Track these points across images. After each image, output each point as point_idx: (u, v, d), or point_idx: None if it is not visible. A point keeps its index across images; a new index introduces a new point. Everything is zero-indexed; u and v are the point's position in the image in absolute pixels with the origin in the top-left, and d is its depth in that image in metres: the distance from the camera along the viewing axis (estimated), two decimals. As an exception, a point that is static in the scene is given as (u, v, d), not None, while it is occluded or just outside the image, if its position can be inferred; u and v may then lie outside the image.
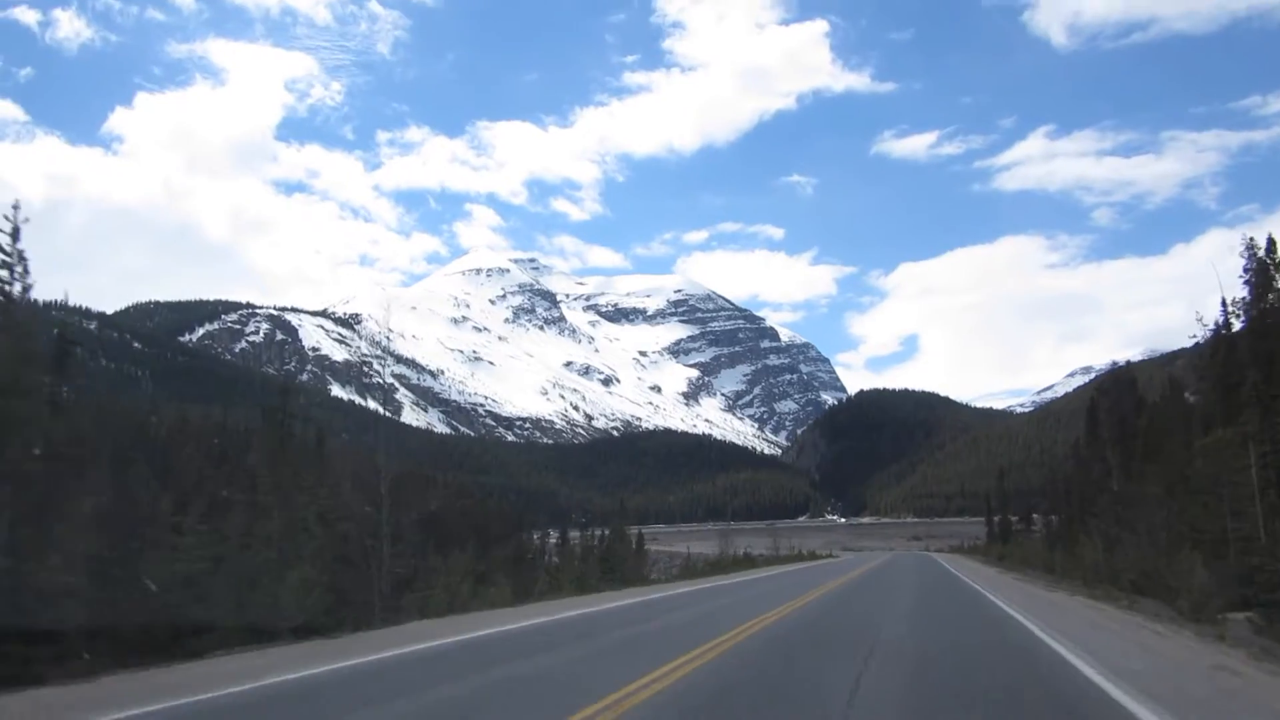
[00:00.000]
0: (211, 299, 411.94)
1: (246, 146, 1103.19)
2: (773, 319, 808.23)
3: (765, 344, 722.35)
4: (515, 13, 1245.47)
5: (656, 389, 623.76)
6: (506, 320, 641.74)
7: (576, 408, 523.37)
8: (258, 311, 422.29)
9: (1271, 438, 15.17)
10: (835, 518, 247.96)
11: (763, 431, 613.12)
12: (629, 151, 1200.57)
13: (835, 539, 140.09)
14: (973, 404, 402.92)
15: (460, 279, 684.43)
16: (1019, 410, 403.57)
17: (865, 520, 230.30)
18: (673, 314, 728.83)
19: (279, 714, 7.48)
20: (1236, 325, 28.92)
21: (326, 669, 9.19)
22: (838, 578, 29.69)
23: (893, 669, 9.43)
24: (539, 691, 8.28)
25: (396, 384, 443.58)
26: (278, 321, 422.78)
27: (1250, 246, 27.61)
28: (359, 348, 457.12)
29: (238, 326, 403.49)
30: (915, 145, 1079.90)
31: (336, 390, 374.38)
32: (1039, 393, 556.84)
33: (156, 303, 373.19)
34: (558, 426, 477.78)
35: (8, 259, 9.50)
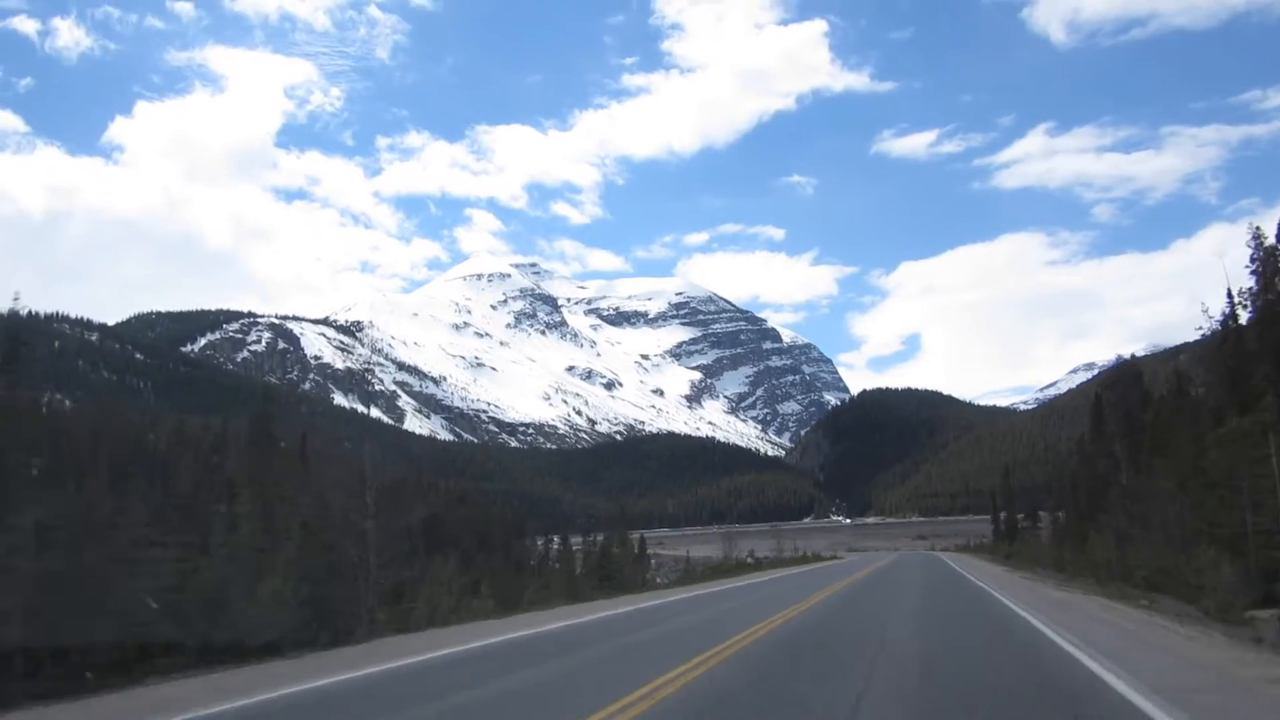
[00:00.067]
0: (213, 308, 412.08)
1: (246, 154, 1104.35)
2: (774, 320, 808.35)
3: (767, 345, 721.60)
4: (514, 16, 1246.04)
5: (659, 392, 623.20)
6: (508, 325, 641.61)
7: (579, 412, 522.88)
8: (259, 320, 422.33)
9: (1293, 426, 14.66)
10: (840, 519, 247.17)
11: (766, 433, 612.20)
12: (629, 154, 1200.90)
13: (840, 540, 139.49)
14: (976, 402, 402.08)
15: (461, 284, 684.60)
16: (1022, 408, 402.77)
17: (870, 520, 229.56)
18: (674, 316, 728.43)
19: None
20: (1243, 316, 28.52)
21: (263, 699, 8.41)
22: (840, 581, 29.01)
23: (900, 681, 8.79)
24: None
25: (399, 391, 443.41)
26: (279, 330, 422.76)
27: (1257, 236, 27.12)
28: (361, 355, 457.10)
29: (239, 336, 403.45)
30: (915, 144, 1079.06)
31: (339, 399, 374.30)
32: (1042, 390, 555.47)
33: (158, 313, 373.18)
34: (561, 431, 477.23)
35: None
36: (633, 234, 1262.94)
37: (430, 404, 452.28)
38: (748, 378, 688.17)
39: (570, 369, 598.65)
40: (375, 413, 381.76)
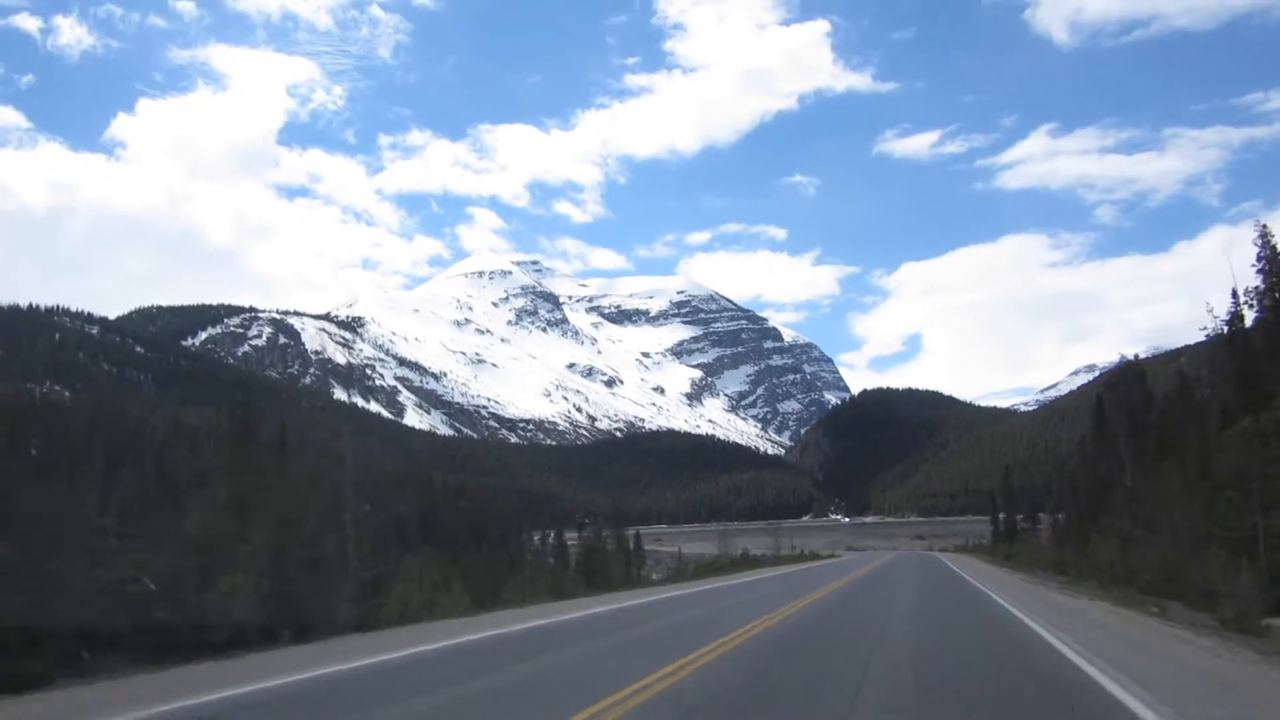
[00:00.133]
0: (214, 303, 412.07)
1: (248, 151, 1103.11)
2: (775, 319, 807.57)
3: (768, 344, 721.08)
4: (516, 15, 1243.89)
5: (659, 390, 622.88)
6: (509, 322, 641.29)
7: (579, 409, 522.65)
8: (260, 315, 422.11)
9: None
10: (839, 517, 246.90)
11: (766, 432, 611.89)
12: (631, 153, 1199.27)
13: (839, 539, 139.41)
14: (976, 403, 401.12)
15: (463, 281, 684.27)
16: (1023, 409, 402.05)
17: (869, 520, 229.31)
18: (675, 315, 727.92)
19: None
20: (1249, 316, 28.15)
21: (207, 699, 7.93)
22: (834, 581, 28.54)
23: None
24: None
25: (399, 386, 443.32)
26: (280, 325, 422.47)
27: (1264, 234, 26.73)
28: (361, 351, 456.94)
29: (240, 330, 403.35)
30: (917, 144, 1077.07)
31: (339, 393, 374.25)
32: (1042, 391, 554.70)
33: (159, 307, 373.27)
34: (561, 428, 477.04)
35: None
36: (634, 233, 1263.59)
37: (431, 399, 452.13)
38: (748, 376, 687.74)
39: (571, 366, 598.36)
40: (375, 407, 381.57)
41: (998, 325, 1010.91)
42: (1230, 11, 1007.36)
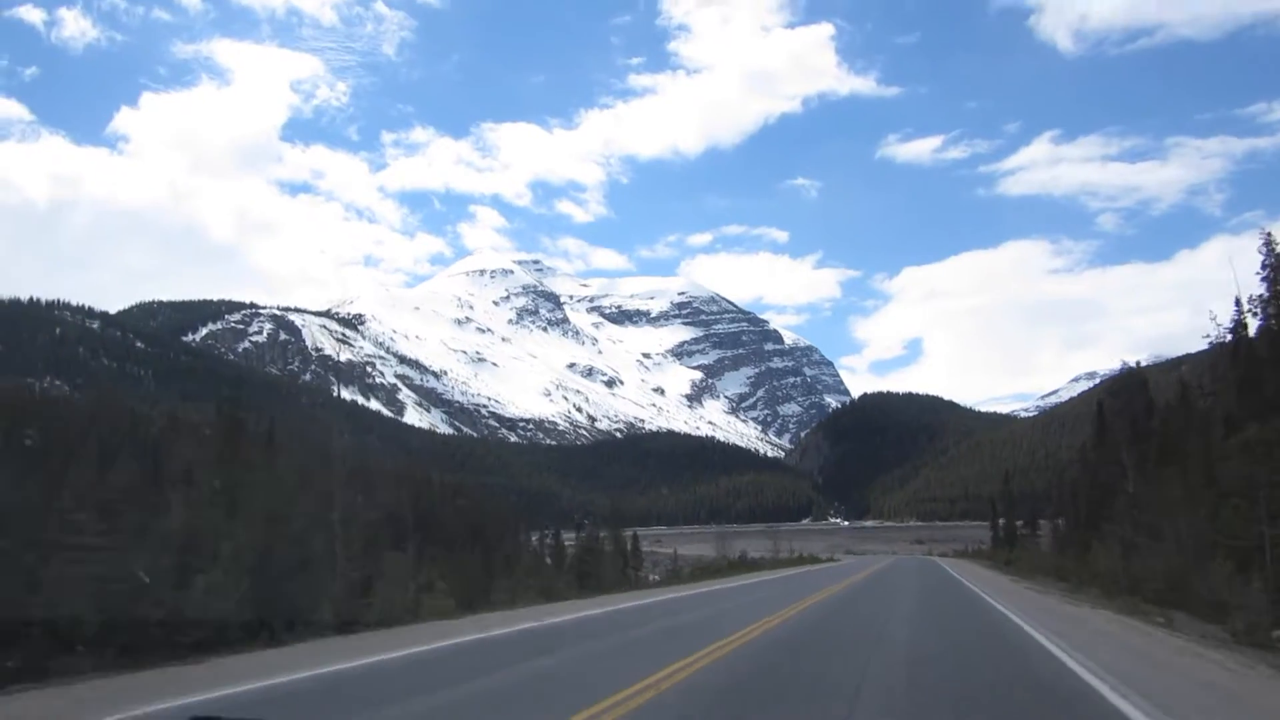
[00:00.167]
0: (215, 299, 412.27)
1: (251, 147, 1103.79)
2: (776, 322, 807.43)
3: (769, 347, 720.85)
4: (521, 14, 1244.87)
5: (660, 391, 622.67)
6: (510, 321, 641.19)
7: (580, 409, 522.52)
8: (261, 312, 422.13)
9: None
10: (838, 521, 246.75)
11: (766, 434, 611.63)
12: (633, 154, 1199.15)
13: (838, 542, 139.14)
14: (976, 408, 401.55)
15: (464, 280, 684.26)
16: (1023, 415, 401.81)
17: (868, 524, 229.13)
18: (676, 316, 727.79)
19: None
20: (1253, 324, 28.04)
21: (157, 709, 7.55)
22: (830, 586, 28.24)
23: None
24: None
25: (399, 384, 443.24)
26: (281, 322, 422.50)
27: (1268, 242, 26.62)
28: (362, 348, 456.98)
29: (241, 326, 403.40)
30: (920, 149, 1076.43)
31: (339, 390, 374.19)
32: (1043, 397, 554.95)
33: (160, 302, 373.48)
34: (561, 428, 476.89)
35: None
36: (636, 233, 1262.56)
37: (431, 398, 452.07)
38: (749, 378, 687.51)
39: (571, 366, 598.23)
40: (375, 405, 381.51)
41: (999, 331, 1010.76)
42: (1235, 22, 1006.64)
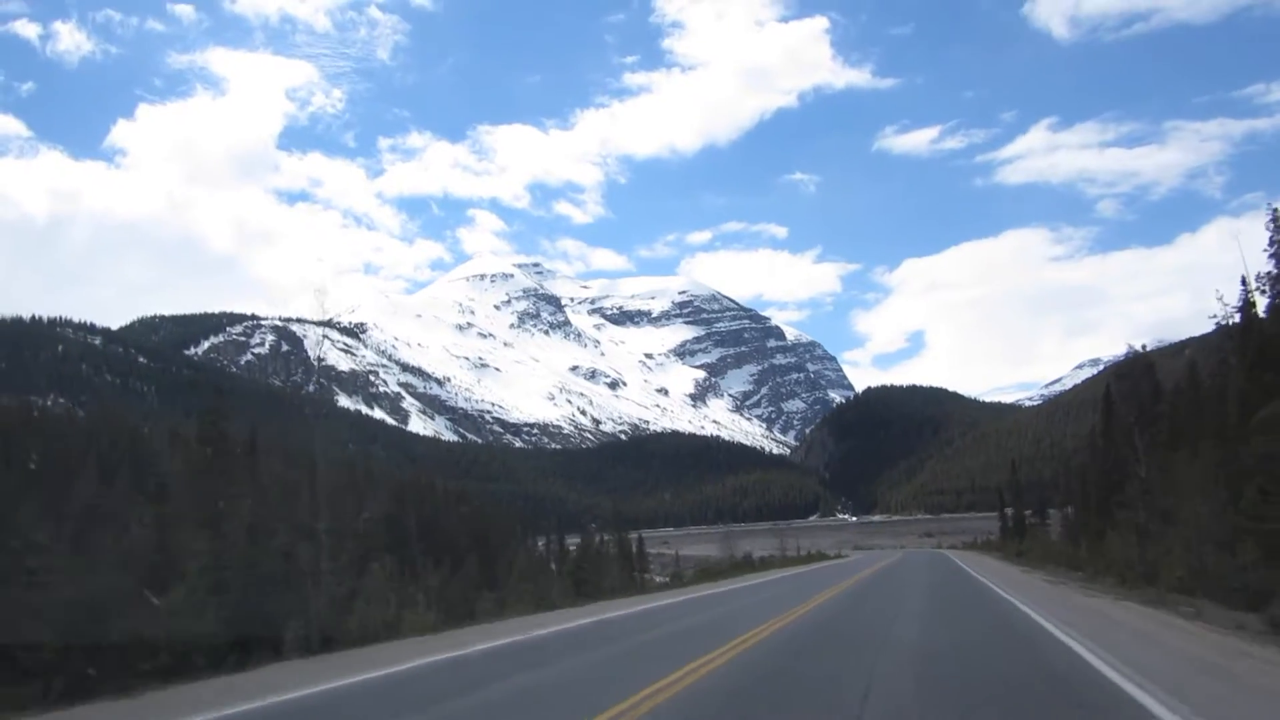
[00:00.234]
0: (216, 311, 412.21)
1: (248, 156, 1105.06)
2: (778, 318, 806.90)
3: (771, 343, 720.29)
4: (514, 15, 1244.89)
5: (663, 391, 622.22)
6: (511, 325, 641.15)
7: (584, 412, 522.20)
8: (262, 323, 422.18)
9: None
10: (845, 516, 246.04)
11: (771, 431, 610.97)
12: (631, 153, 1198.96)
13: (846, 538, 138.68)
14: (981, 399, 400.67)
15: (464, 285, 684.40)
16: (1027, 404, 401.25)
17: (876, 518, 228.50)
18: (678, 315, 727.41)
19: None
20: (1261, 302, 27.48)
21: None
22: (838, 584, 27.53)
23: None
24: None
25: (403, 392, 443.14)
26: (283, 332, 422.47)
27: (1275, 218, 26.06)
28: (364, 357, 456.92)
29: (243, 339, 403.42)
30: (917, 140, 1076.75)
31: (343, 400, 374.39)
32: (1047, 386, 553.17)
33: (161, 316, 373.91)
34: (565, 431, 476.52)
35: None
36: (635, 233, 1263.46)
37: (434, 405, 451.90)
38: (752, 376, 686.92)
39: (574, 369, 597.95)
40: (379, 414, 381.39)
41: (1000, 320, 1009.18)
42: (1231, 4, 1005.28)
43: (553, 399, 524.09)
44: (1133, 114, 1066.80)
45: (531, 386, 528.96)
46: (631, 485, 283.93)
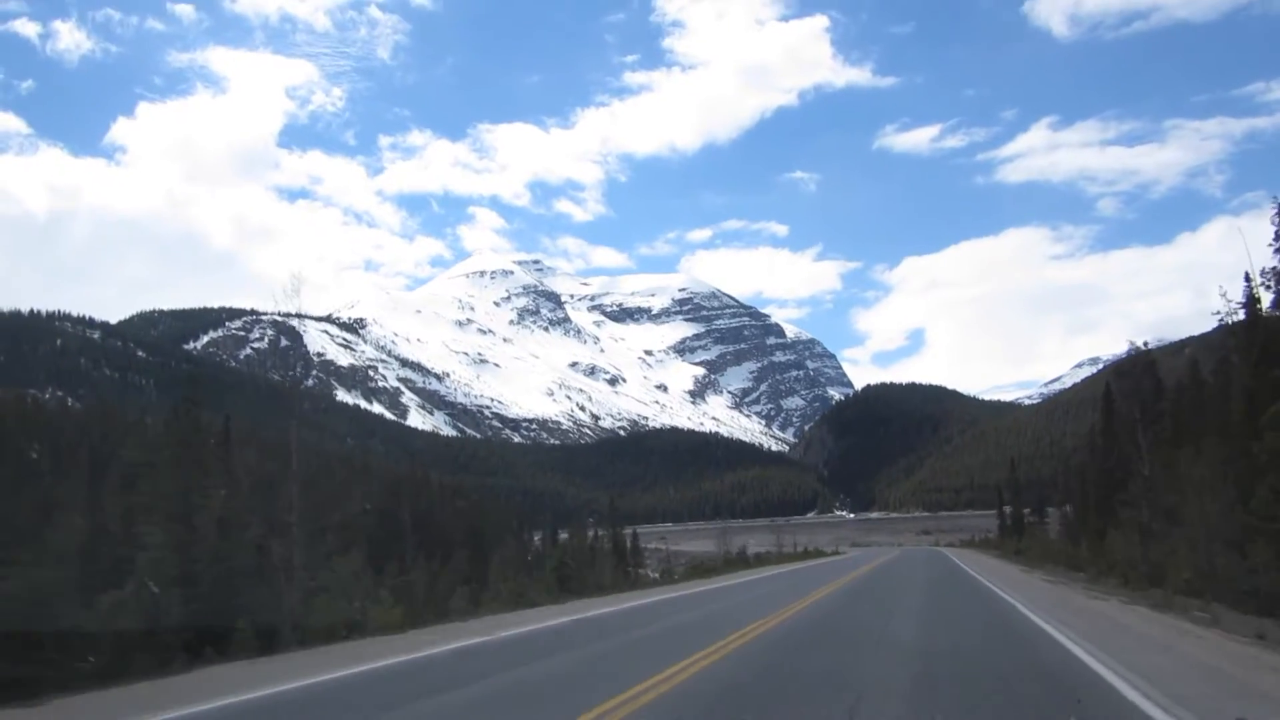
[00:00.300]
0: (215, 306, 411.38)
1: (249, 154, 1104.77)
2: (778, 316, 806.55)
3: (771, 341, 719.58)
4: (515, 14, 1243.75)
5: (663, 388, 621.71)
6: (511, 322, 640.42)
7: (583, 408, 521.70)
8: (261, 318, 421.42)
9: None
10: (844, 513, 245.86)
11: (770, 428, 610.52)
12: (631, 151, 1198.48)
13: (844, 535, 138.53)
14: (980, 397, 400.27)
15: (464, 282, 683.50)
16: (1027, 402, 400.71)
17: (874, 515, 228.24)
18: (677, 313, 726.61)
19: None
20: (1266, 298, 27.07)
21: None
22: (832, 582, 26.96)
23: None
24: None
25: (402, 387, 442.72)
26: (282, 328, 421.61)
27: (1281, 213, 25.69)
28: (364, 352, 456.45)
29: (242, 333, 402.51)
30: (917, 139, 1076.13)
31: (342, 395, 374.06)
32: (1046, 384, 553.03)
33: (160, 311, 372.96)
34: (564, 427, 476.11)
35: None
36: (636, 231, 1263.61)
37: (433, 400, 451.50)
38: (751, 373, 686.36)
39: (574, 365, 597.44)
40: (378, 409, 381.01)
41: (1000, 319, 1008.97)
42: (1231, 2, 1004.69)
43: (552, 395, 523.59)
44: (1133, 112, 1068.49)
45: (531, 382, 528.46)
46: (630, 481, 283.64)
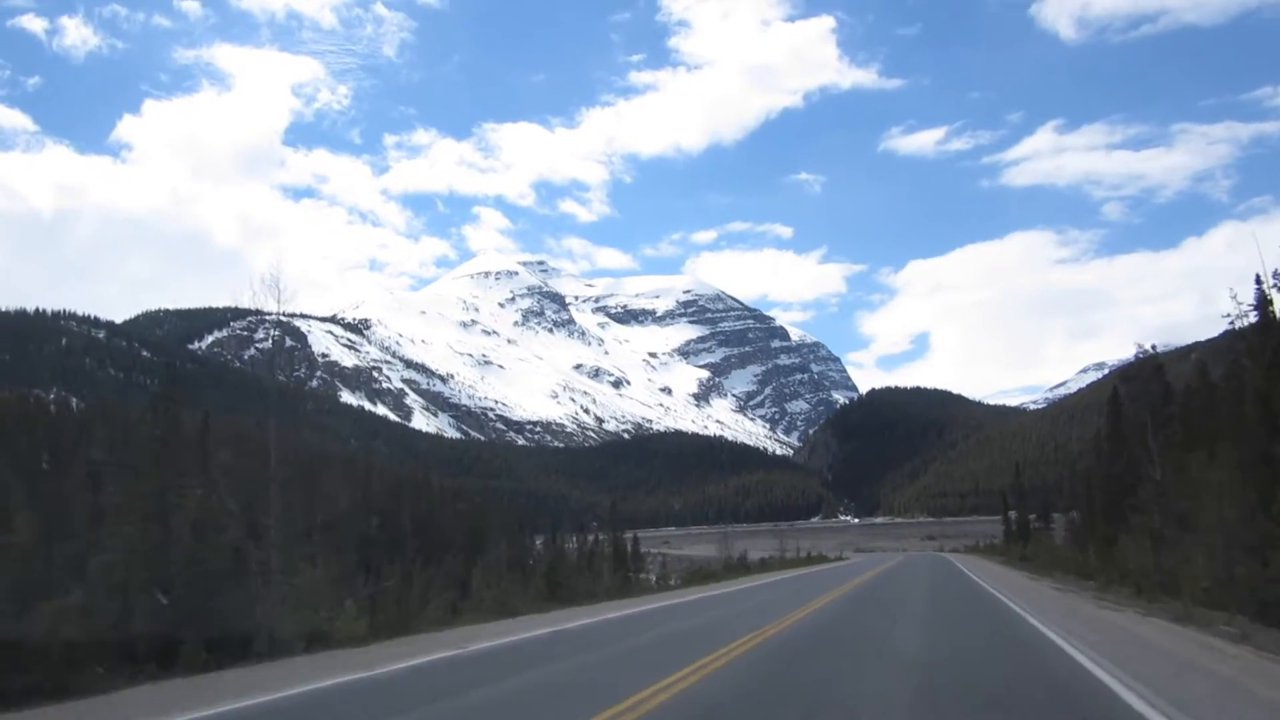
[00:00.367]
0: (220, 306, 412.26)
1: (254, 152, 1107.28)
2: (782, 318, 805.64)
3: (775, 344, 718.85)
4: (520, 14, 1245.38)
5: (667, 390, 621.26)
6: (515, 323, 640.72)
7: (587, 410, 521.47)
8: (266, 318, 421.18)
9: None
10: (848, 518, 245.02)
11: (774, 432, 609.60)
12: (636, 152, 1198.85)
13: (848, 540, 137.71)
14: (985, 401, 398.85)
15: (469, 282, 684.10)
16: (1032, 407, 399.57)
17: (878, 520, 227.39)
18: (682, 315, 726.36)
19: None
20: (1277, 299, 26.57)
21: None
22: (834, 590, 26.31)
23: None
24: None
25: (406, 389, 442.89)
26: (286, 328, 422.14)
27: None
28: (368, 353, 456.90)
29: (246, 334, 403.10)
30: (923, 141, 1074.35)
31: (346, 396, 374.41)
32: (1051, 389, 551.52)
33: (165, 310, 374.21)
34: (568, 430, 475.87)
35: None
36: (640, 232, 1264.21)
37: (437, 401, 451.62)
38: (756, 376, 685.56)
39: (578, 367, 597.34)
40: (382, 410, 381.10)
41: (1005, 323, 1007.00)
42: (1239, 6, 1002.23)
43: (556, 397, 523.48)
44: (1140, 116, 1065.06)
45: (535, 384, 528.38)
46: (634, 484, 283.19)
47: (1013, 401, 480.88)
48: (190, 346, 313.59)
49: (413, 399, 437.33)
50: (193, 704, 8.43)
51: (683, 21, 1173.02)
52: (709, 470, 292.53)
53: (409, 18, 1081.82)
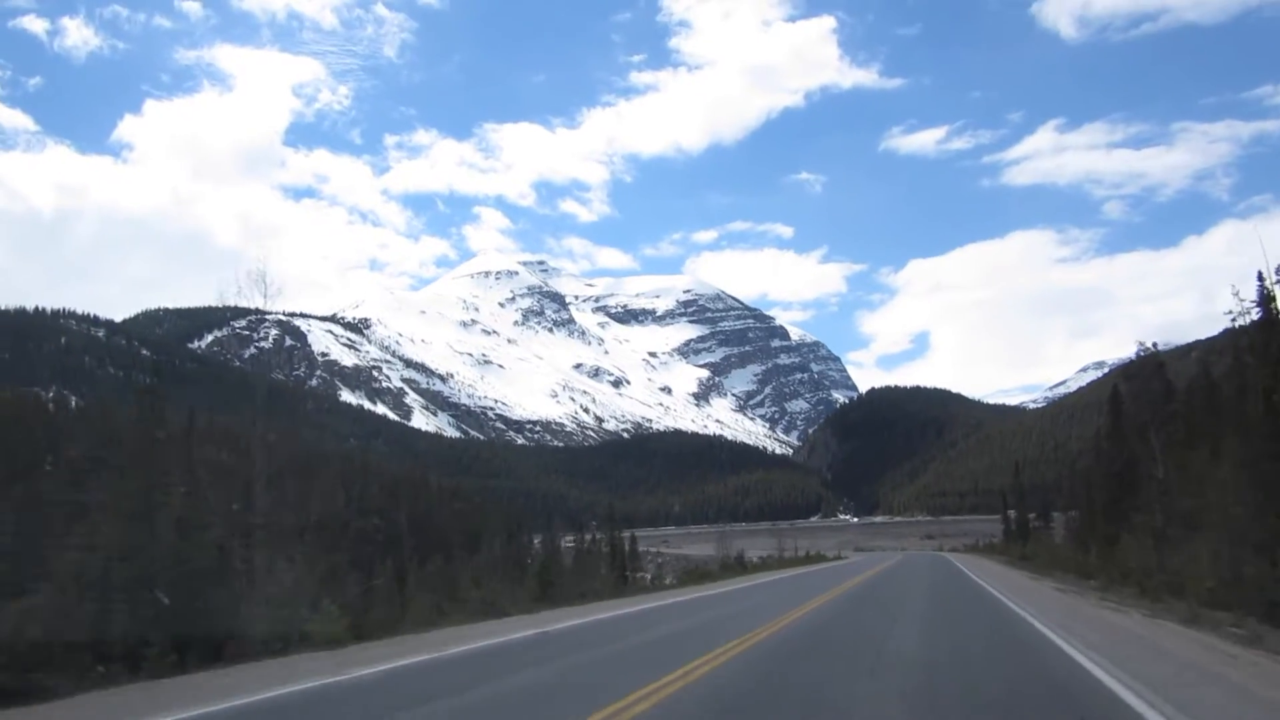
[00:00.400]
0: (220, 305, 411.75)
1: (254, 152, 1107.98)
2: (783, 318, 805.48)
3: (775, 343, 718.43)
4: (521, 14, 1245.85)
5: (667, 390, 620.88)
6: (515, 323, 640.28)
7: (586, 410, 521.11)
8: (266, 317, 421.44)
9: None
10: (848, 517, 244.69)
11: (774, 431, 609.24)
12: (636, 152, 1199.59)
13: (848, 539, 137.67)
14: (985, 400, 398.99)
15: (469, 282, 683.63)
16: (1032, 406, 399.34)
17: (878, 519, 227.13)
18: (682, 314, 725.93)
19: None
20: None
21: None
22: (831, 589, 25.87)
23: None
24: None
25: (406, 388, 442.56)
26: (286, 327, 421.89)
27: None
28: (368, 352, 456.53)
29: (246, 333, 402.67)
30: (924, 141, 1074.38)
31: (345, 395, 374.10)
32: (1051, 388, 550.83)
33: (165, 310, 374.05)
34: (568, 429, 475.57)
35: None
36: (641, 232, 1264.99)
37: (437, 401, 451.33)
38: (756, 376, 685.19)
39: (578, 366, 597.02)
40: (382, 409, 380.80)
41: (1005, 322, 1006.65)
42: (1239, 4, 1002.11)
43: (556, 396, 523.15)
44: (1140, 115, 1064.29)
45: (535, 384, 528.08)
46: (633, 484, 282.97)
47: (1013, 400, 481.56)
48: (190, 345, 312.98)
49: (412, 398, 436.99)
50: (149, 710, 8.09)
51: (683, 22, 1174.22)
52: (708, 470, 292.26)
53: (409, 18, 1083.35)
